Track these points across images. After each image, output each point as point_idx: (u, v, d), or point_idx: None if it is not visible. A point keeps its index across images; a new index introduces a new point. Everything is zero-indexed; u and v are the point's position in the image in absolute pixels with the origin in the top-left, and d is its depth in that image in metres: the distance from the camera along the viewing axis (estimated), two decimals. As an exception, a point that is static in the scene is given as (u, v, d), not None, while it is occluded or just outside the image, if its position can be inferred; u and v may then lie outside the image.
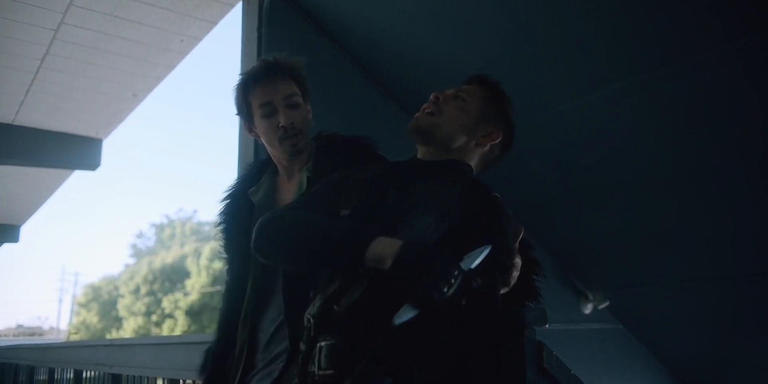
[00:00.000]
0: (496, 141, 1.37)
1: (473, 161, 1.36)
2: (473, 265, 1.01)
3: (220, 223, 1.70)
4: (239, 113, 1.67)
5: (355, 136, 1.65)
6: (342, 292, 1.12)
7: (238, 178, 1.77)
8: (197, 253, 27.11)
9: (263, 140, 1.63)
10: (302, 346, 1.16)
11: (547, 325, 1.22)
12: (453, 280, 0.97)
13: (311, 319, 1.15)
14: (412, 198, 1.20)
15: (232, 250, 1.65)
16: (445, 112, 1.34)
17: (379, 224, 1.15)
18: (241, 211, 1.64)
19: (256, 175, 1.72)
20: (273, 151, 1.64)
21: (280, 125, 1.55)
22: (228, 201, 1.71)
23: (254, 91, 1.60)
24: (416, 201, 1.19)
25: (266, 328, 1.53)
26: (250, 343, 1.53)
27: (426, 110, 1.35)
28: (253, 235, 1.20)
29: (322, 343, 1.10)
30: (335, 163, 1.51)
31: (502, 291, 1.19)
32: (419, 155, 1.36)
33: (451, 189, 1.21)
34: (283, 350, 1.43)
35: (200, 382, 1.66)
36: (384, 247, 1.05)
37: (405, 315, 0.96)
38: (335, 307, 1.10)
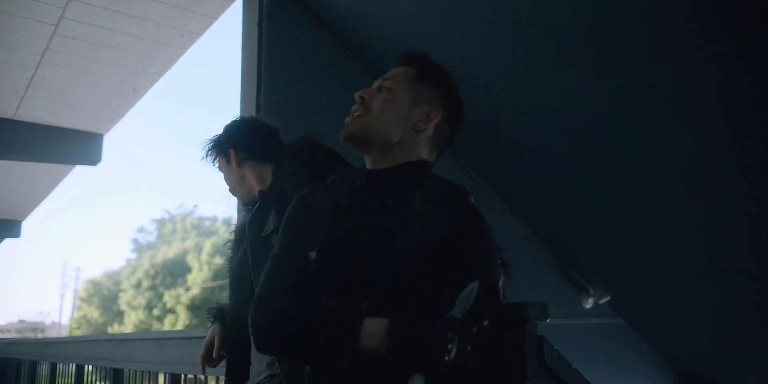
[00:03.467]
0: (437, 119, 1.24)
1: (424, 150, 1.25)
2: (467, 308, 1.00)
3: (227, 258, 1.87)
4: None
5: (304, 147, 1.67)
6: None
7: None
8: (198, 248, 27.18)
9: None
10: None
11: (548, 320, 1.22)
12: (450, 346, 0.98)
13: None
14: (381, 229, 1.14)
15: None
16: (372, 109, 1.24)
17: (350, 265, 1.13)
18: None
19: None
20: None
21: None
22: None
23: None
24: (388, 232, 1.13)
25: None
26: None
27: (355, 113, 1.25)
28: (253, 338, 1.17)
29: None
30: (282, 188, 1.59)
31: None
32: (367, 164, 1.26)
33: (421, 208, 1.15)
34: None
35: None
36: (372, 339, 1.02)
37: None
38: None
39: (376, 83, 1.30)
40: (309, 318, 1.11)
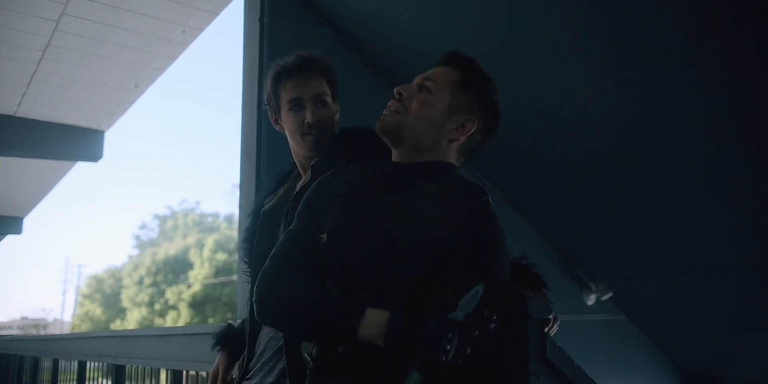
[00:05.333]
0: (471, 131, 1.24)
1: (451, 156, 1.25)
2: (470, 310, 0.98)
3: (243, 240, 1.72)
4: (267, 104, 1.66)
5: (365, 130, 1.57)
6: None
7: (258, 195, 1.80)
8: (200, 245, 27.23)
9: (287, 134, 1.63)
10: None
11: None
12: (449, 346, 0.95)
13: (310, 359, 1.13)
14: (388, 223, 1.14)
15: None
16: (411, 109, 1.23)
17: (354, 256, 1.13)
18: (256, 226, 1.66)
19: (276, 188, 1.72)
20: (295, 146, 1.62)
21: (305, 121, 1.54)
22: (251, 218, 1.71)
23: (286, 85, 1.58)
24: (394, 227, 1.13)
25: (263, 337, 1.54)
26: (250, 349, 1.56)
27: (391, 108, 1.25)
28: (255, 306, 1.17)
29: None
30: (341, 159, 1.47)
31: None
32: (393, 157, 1.27)
33: (432, 205, 1.15)
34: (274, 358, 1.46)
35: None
36: (371, 329, 1.02)
37: (413, 382, 0.97)
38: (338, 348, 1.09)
39: (416, 80, 1.29)
40: (312, 299, 1.11)
